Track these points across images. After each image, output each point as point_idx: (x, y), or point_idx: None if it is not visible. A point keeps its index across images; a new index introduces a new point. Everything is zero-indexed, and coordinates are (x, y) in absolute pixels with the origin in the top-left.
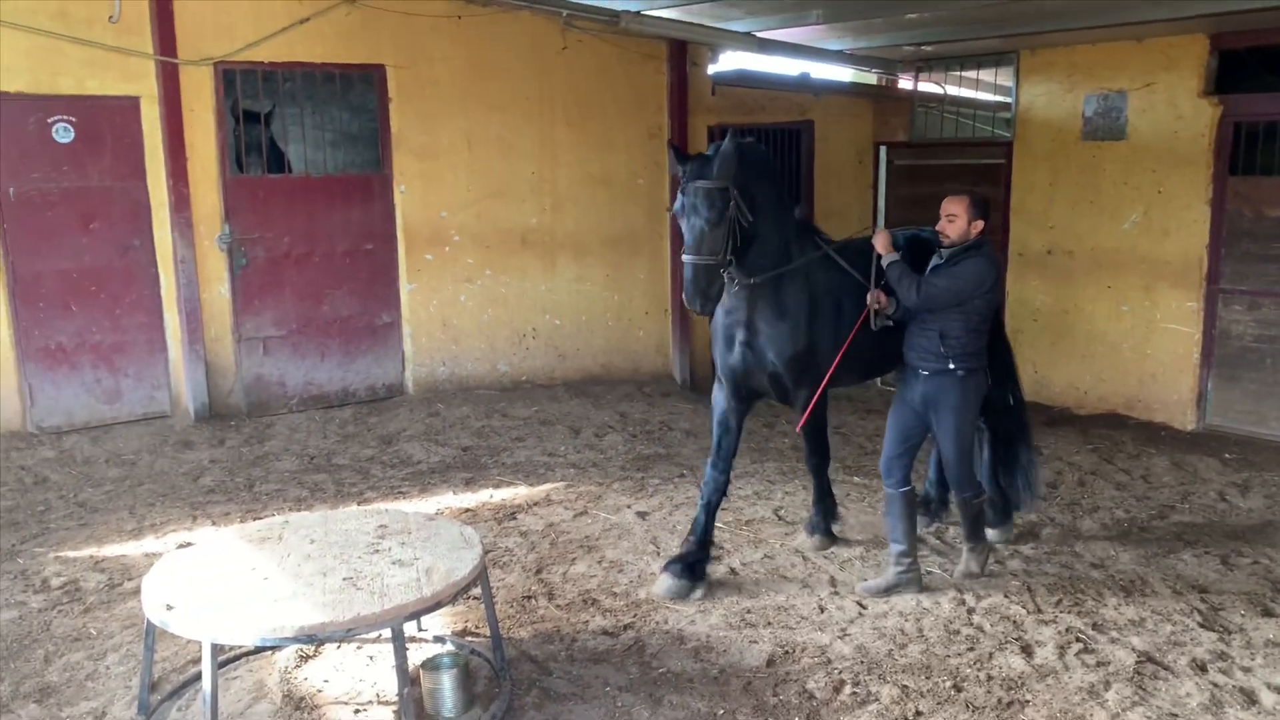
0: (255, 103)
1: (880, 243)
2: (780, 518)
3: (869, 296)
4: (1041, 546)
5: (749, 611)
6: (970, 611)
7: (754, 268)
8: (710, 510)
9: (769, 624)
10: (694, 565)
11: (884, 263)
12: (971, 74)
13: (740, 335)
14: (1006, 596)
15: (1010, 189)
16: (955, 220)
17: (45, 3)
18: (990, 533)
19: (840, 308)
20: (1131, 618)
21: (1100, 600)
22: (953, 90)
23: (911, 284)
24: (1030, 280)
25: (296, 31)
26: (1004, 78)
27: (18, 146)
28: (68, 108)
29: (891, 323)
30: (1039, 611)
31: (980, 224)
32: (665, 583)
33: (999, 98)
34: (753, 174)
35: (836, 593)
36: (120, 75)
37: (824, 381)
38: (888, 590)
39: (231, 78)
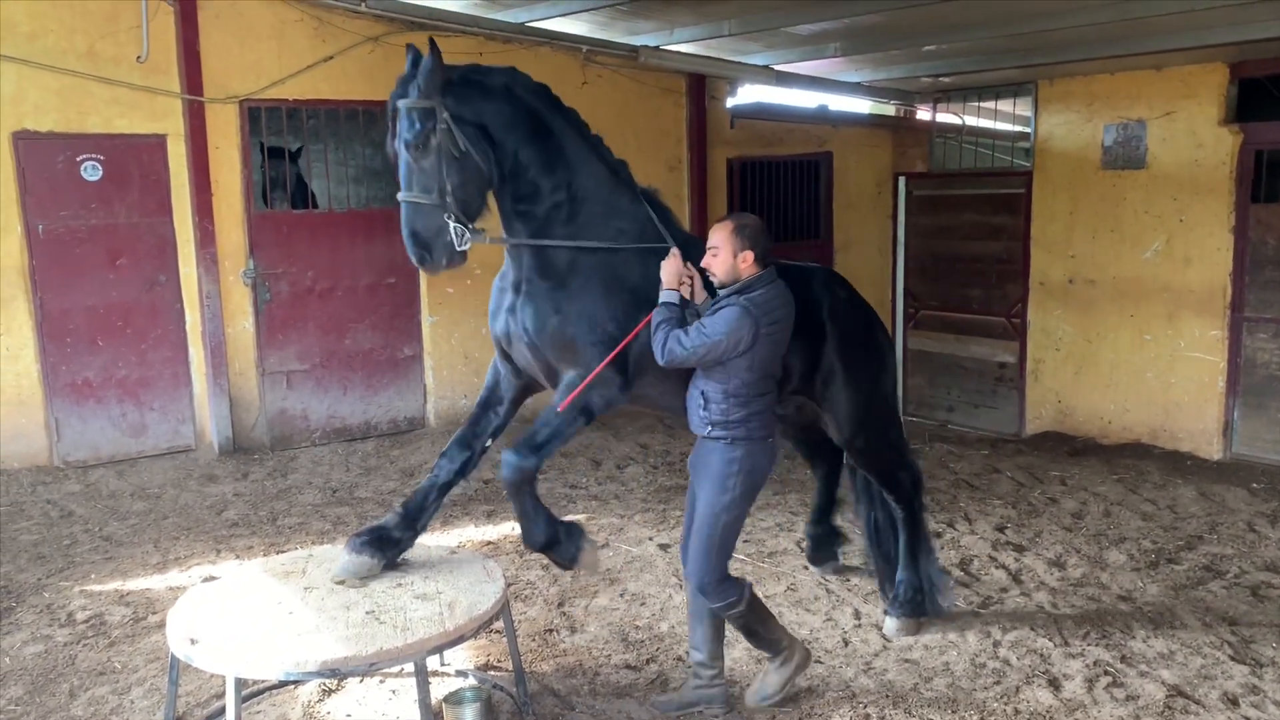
0: (281, 139)
1: (667, 272)
2: (802, 549)
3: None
4: (1068, 578)
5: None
6: (996, 645)
7: (512, 218)
8: (431, 489)
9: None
10: (383, 539)
11: (661, 299)
12: (990, 104)
13: (507, 300)
14: (1033, 629)
15: (1030, 218)
16: (717, 254)
17: (74, 42)
18: (890, 623)
19: (646, 302)
20: (1161, 650)
21: (1129, 632)
22: (971, 120)
23: (662, 337)
24: (1052, 310)
25: (320, 69)
26: (1023, 107)
27: (47, 184)
28: (96, 146)
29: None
30: (1066, 644)
31: (749, 256)
32: (343, 560)
33: (1018, 127)
34: (498, 103)
35: (860, 625)
36: (147, 114)
37: (595, 370)
38: (681, 710)
39: (256, 115)
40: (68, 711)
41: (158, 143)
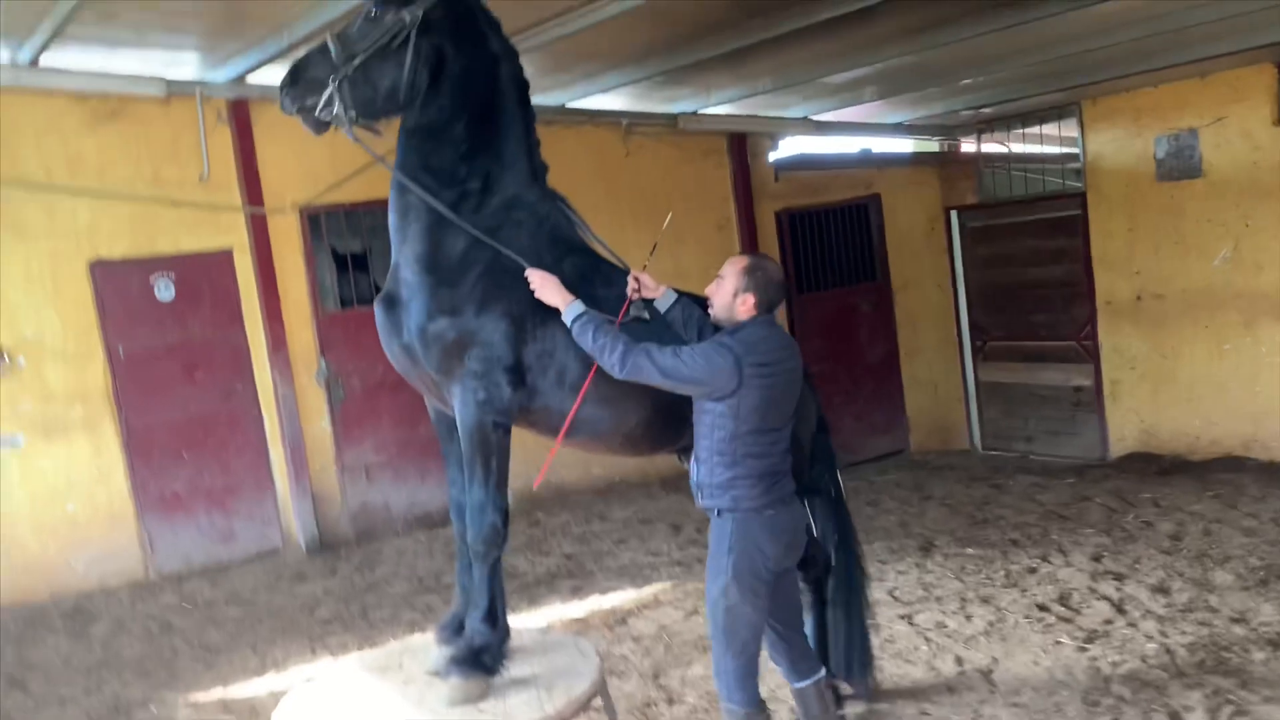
0: (341, 241)
1: (548, 294)
2: (896, 598)
3: (629, 282)
4: (1175, 603)
5: (876, 700)
6: (1108, 680)
7: (409, 170)
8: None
9: (897, 709)
10: (463, 623)
11: (565, 318)
12: (1035, 129)
13: (389, 283)
14: (1144, 661)
15: (1089, 239)
16: (720, 285)
17: (140, 170)
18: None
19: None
20: None
21: (1247, 656)
22: (1017, 147)
23: (611, 344)
24: (1123, 329)
25: (373, 170)
26: (1068, 129)
27: (124, 308)
28: (167, 266)
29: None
30: (1182, 674)
31: (748, 300)
32: (435, 653)
33: (1065, 149)
34: (475, 59)
35: (963, 673)
36: (213, 230)
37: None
38: None
39: (316, 220)
40: None
41: (225, 256)
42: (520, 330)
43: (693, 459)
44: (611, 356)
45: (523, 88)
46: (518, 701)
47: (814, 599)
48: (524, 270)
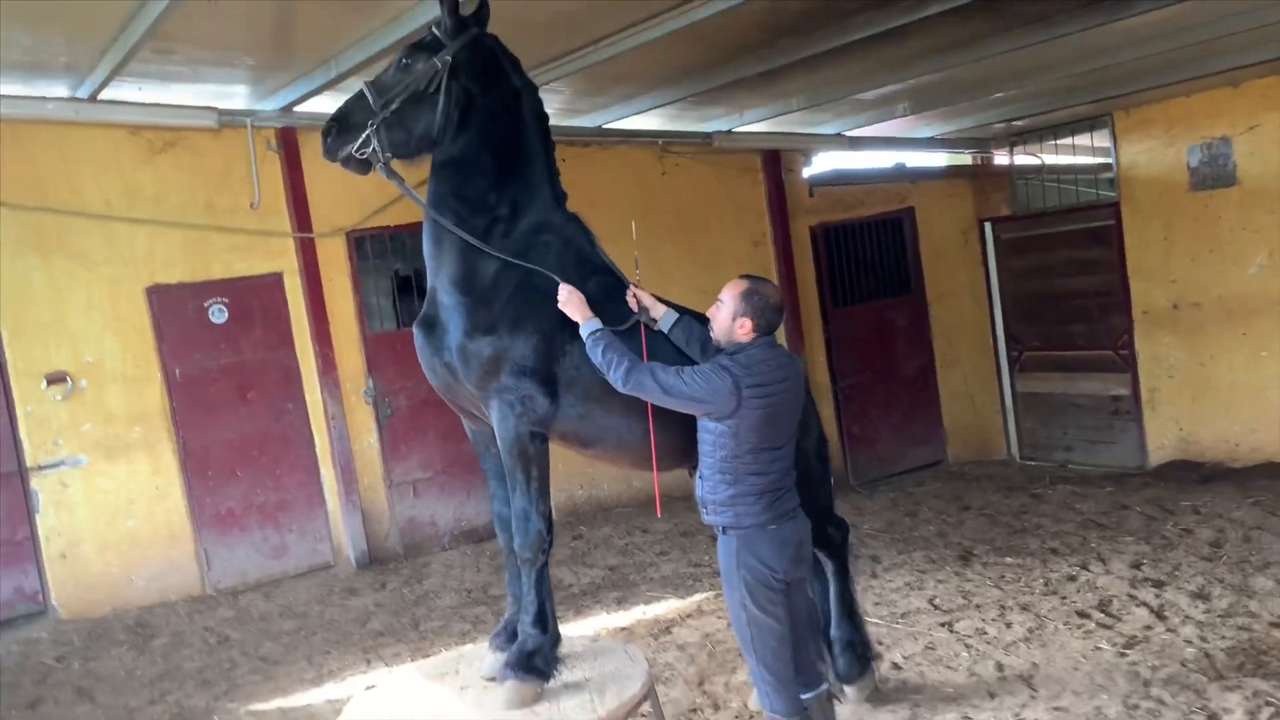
0: (385, 263)
1: (571, 309)
2: (936, 606)
3: (629, 298)
4: (1214, 609)
5: (918, 705)
6: (1147, 684)
7: (445, 209)
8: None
9: (939, 714)
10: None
11: (582, 332)
12: (1067, 140)
13: (427, 307)
14: (1184, 665)
15: (1124, 248)
16: (720, 306)
17: (194, 198)
18: (848, 690)
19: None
20: None
21: None
22: (1050, 158)
23: (616, 360)
24: (1160, 338)
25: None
26: (1101, 139)
27: (179, 332)
28: (220, 290)
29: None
30: (1221, 677)
31: (746, 324)
32: (490, 659)
33: (1098, 160)
34: (497, 86)
35: (1004, 678)
36: (264, 255)
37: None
38: None
39: (362, 243)
40: None
41: (275, 280)
42: (551, 345)
43: (697, 475)
44: (616, 372)
45: (543, 119)
46: (571, 705)
47: (835, 568)
48: (553, 288)
